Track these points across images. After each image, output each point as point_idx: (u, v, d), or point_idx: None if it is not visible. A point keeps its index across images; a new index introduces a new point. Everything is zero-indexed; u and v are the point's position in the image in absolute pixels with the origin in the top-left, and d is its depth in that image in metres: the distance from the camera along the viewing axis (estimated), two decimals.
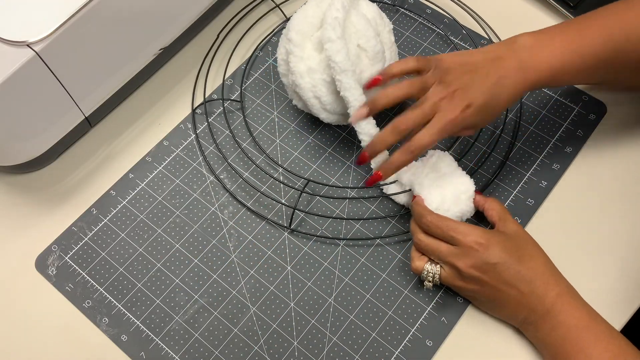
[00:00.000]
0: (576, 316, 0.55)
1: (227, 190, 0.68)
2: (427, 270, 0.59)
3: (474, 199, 0.62)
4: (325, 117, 0.66)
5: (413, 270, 0.60)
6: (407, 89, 0.59)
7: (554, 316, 0.55)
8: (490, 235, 0.57)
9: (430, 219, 0.58)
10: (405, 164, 0.59)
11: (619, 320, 0.60)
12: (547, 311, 0.55)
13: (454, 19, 0.78)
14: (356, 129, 0.63)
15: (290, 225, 0.66)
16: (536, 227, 0.65)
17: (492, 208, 0.61)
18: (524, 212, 0.66)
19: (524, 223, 0.65)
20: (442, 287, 0.62)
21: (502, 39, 0.76)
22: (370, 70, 0.63)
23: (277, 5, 0.80)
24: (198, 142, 0.71)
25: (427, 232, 0.59)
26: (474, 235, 0.57)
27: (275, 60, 0.72)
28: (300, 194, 0.66)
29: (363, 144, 0.63)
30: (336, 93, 0.63)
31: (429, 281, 0.59)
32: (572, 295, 0.56)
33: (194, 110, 0.73)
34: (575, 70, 0.60)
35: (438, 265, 0.58)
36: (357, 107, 0.61)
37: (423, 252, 0.59)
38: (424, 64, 0.60)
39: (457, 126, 0.58)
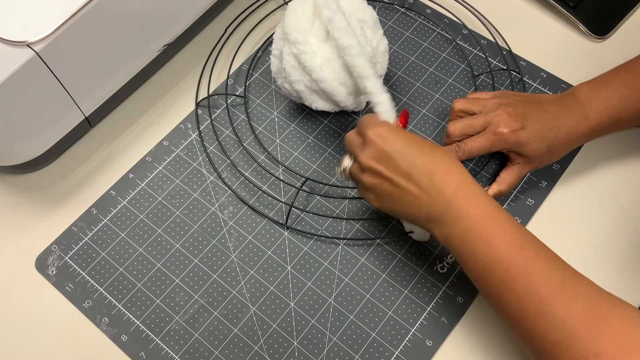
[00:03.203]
0: (480, 206, 0.52)
1: (229, 188, 0.68)
2: (343, 163, 0.59)
3: None
4: (350, 103, 0.65)
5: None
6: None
7: (456, 207, 0.52)
8: (395, 130, 0.56)
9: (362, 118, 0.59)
10: None
11: None
12: (449, 202, 0.52)
13: (455, 17, 0.78)
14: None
15: (286, 222, 0.66)
16: (536, 227, 0.65)
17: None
18: (524, 212, 0.66)
19: (523, 223, 0.65)
20: (442, 287, 0.62)
21: (505, 38, 0.76)
22: (374, 38, 0.64)
23: (285, 2, 0.80)
24: (201, 138, 0.71)
25: None
26: (379, 128, 0.55)
27: None
28: (298, 192, 0.66)
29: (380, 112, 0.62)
30: None
31: (341, 171, 0.60)
32: (475, 185, 0.53)
33: (197, 104, 0.73)
34: (634, 107, 0.62)
35: (352, 160, 0.59)
36: (364, 76, 0.60)
37: (347, 148, 0.60)
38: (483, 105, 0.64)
39: (507, 142, 0.61)
